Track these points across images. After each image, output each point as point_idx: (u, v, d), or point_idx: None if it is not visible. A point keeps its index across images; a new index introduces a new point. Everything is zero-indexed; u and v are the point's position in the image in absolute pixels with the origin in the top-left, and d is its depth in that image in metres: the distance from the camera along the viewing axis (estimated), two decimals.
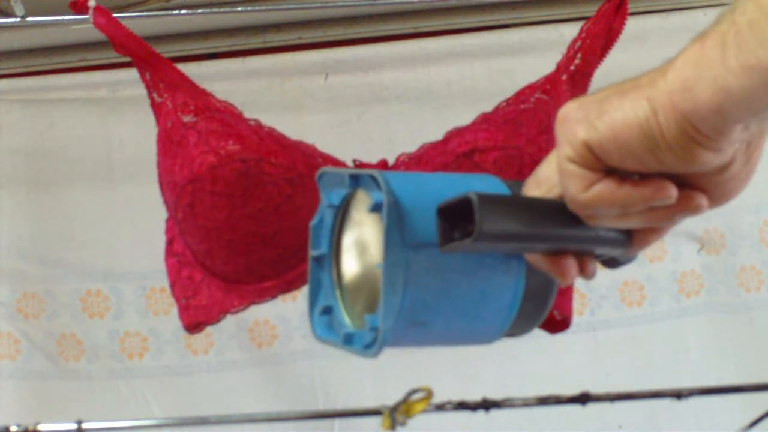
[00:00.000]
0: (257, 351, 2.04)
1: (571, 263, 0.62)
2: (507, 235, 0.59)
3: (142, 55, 1.42)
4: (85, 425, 1.45)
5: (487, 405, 1.48)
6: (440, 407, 1.46)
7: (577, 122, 0.57)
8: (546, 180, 0.62)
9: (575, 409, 1.54)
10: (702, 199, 0.58)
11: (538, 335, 1.67)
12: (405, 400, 1.41)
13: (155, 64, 1.43)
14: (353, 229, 0.66)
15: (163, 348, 2.04)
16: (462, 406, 1.47)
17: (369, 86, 2.02)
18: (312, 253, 0.67)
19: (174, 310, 1.51)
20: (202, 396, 2.04)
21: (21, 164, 2.02)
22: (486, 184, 0.64)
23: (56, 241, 2.03)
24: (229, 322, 1.61)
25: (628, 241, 0.63)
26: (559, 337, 1.65)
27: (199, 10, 1.81)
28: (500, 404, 1.49)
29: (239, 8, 1.80)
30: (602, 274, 2.32)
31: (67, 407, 1.97)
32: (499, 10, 2.04)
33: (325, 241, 0.67)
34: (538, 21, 2.05)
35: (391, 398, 1.44)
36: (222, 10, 1.84)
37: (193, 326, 1.49)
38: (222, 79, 1.95)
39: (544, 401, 1.51)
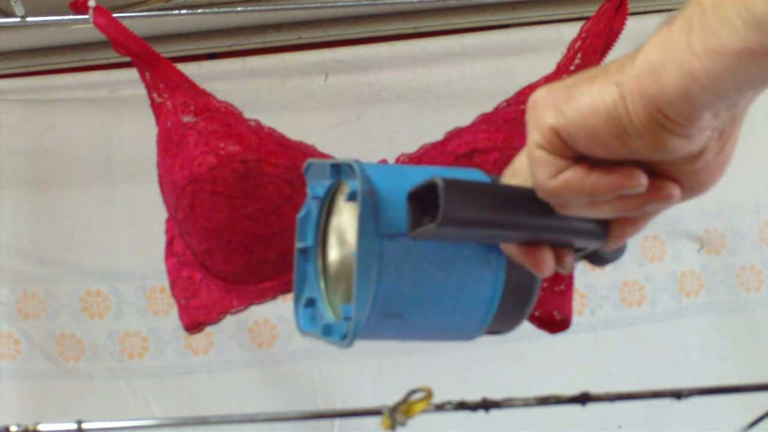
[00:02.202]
0: (257, 351, 2.04)
1: (547, 255, 0.61)
2: (472, 220, 0.58)
3: (142, 55, 1.42)
4: (85, 425, 1.45)
5: (487, 405, 1.48)
6: (440, 407, 1.46)
7: (545, 108, 0.56)
8: (522, 170, 0.61)
9: (575, 409, 1.54)
10: (674, 189, 0.57)
11: (538, 335, 1.67)
12: (405, 400, 1.41)
13: (155, 64, 1.43)
14: (337, 219, 0.66)
15: (163, 348, 2.04)
16: (462, 406, 1.47)
17: (369, 86, 2.02)
18: (298, 245, 0.66)
19: (174, 310, 1.51)
20: (202, 396, 2.04)
21: (21, 164, 2.02)
22: (466, 175, 0.63)
23: (56, 241, 2.03)
24: (229, 322, 1.61)
25: (605, 233, 0.61)
26: (559, 337, 1.65)
27: (199, 10, 1.81)
28: (500, 404, 1.49)
29: (239, 8, 1.79)
30: (602, 274, 2.32)
31: (67, 407, 1.97)
32: (499, 10, 2.03)
33: (311, 233, 0.66)
34: (538, 21, 2.05)
35: (391, 398, 1.44)
36: (222, 10, 1.83)
37: (192, 326, 1.49)
38: (222, 79, 1.95)
39: (544, 401, 1.51)
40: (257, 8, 1.82)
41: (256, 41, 2.06)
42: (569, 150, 0.56)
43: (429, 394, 1.42)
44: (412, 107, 2.02)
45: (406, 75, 2.02)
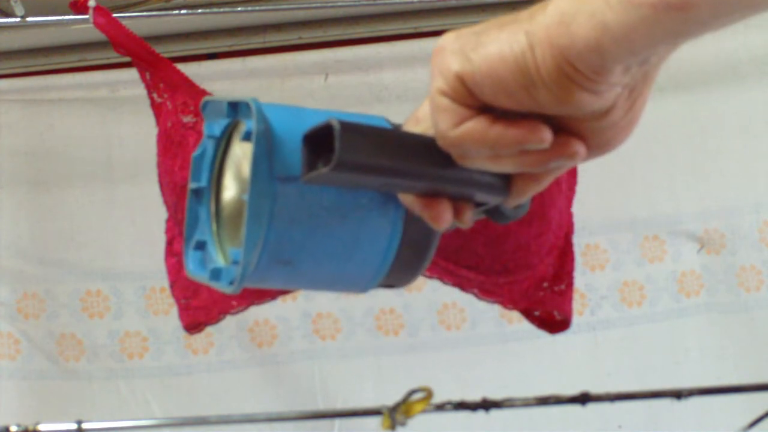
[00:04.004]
0: (257, 351, 2.04)
1: (445, 207, 0.58)
2: (368, 166, 0.55)
3: (142, 55, 1.42)
4: (85, 425, 1.45)
5: (487, 405, 1.48)
6: (440, 407, 1.47)
7: (452, 53, 0.53)
8: (425, 118, 0.59)
9: (575, 409, 1.54)
10: (579, 146, 0.54)
11: (538, 335, 1.67)
12: (405, 400, 1.41)
13: (155, 64, 1.43)
14: (232, 160, 0.63)
15: (163, 348, 2.05)
16: (462, 406, 1.47)
17: (369, 86, 2.02)
18: (191, 185, 0.64)
19: (174, 310, 1.52)
20: (202, 396, 2.04)
21: (21, 164, 2.02)
22: (367, 120, 0.60)
23: (56, 241, 2.03)
24: (229, 322, 1.61)
25: (506, 188, 0.59)
26: (559, 337, 1.65)
27: (199, 10, 1.81)
28: (500, 404, 1.49)
29: (239, 8, 1.80)
30: (602, 274, 2.32)
31: (67, 407, 1.97)
32: (499, 10, 2.03)
33: (205, 174, 0.63)
34: None
35: (391, 398, 1.44)
36: (222, 10, 1.84)
37: (192, 326, 1.49)
38: (222, 79, 1.96)
39: (544, 401, 1.51)
40: (257, 8, 1.82)
41: (256, 41, 2.06)
42: (473, 99, 0.54)
43: (429, 394, 1.42)
44: (412, 107, 2.00)
45: (406, 75, 2.03)
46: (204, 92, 1.43)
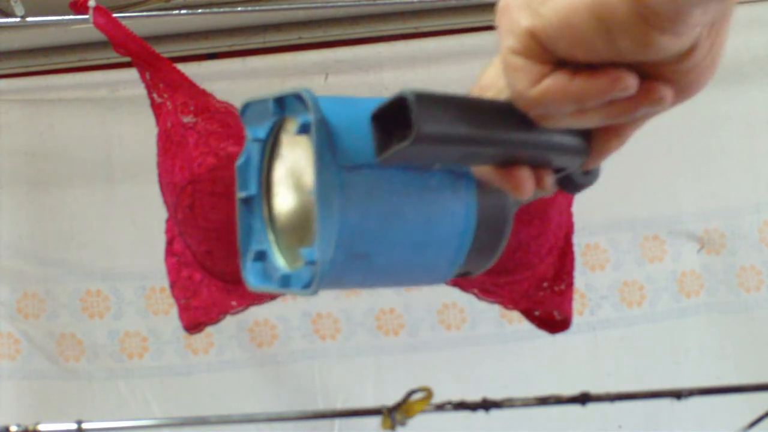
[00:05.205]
0: (257, 351, 2.04)
1: (527, 174, 0.55)
2: (449, 137, 0.53)
3: (142, 55, 1.42)
4: (85, 425, 1.45)
5: (487, 405, 1.48)
6: (440, 407, 1.47)
7: (519, 9, 0.51)
8: (492, 85, 0.56)
9: (575, 409, 1.55)
10: (665, 90, 0.52)
11: (538, 335, 1.67)
12: (405, 400, 1.41)
13: (155, 64, 1.43)
14: (283, 161, 0.59)
15: (163, 348, 2.05)
16: (462, 406, 1.47)
17: (369, 86, 2.02)
18: (240, 194, 0.60)
19: (174, 310, 1.52)
20: (202, 396, 2.04)
21: (21, 164, 2.02)
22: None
23: (56, 241, 2.03)
24: (229, 322, 1.61)
25: (587, 149, 0.57)
26: (559, 337, 1.65)
27: (199, 10, 1.81)
28: (500, 404, 1.49)
29: (239, 8, 1.80)
30: (602, 274, 2.31)
31: (67, 407, 1.97)
32: None
33: (254, 181, 0.60)
34: None
35: (391, 398, 1.44)
36: (222, 10, 1.84)
37: (192, 326, 1.49)
38: (222, 79, 1.95)
39: (544, 401, 1.51)
40: (257, 8, 1.82)
41: (256, 41, 2.06)
42: (548, 54, 0.51)
43: (429, 394, 1.42)
44: None
45: (406, 75, 2.02)
46: (204, 92, 1.43)
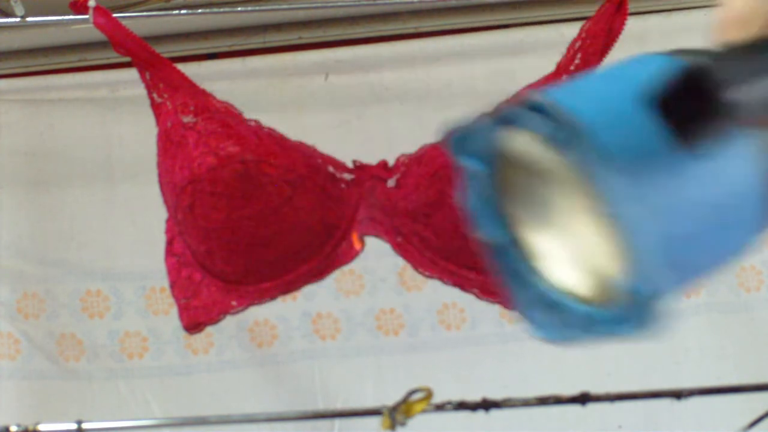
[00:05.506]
0: (257, 351, 2.04)
1: None
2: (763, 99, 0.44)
3: (141, 55, 1.42)
4: (85, 425, 1.45)
5: (487, 405, 1.48)
6: (440, 407, 1.46)
7: None
8: (755, 14, 0.48)
9: (575, 409, 1.54)
10: None
11: None
12: (405, 400, 1.41)
13: (155, 64, 1.43)
14: (527, 186, 0.50)
15: (163, 348, 2.04)
16: (462, 406, 1.47)
17: (369, 86, 2.02)
18: (489, 242, 0.51)
19: (174, 310, 1.52)
20: (202, 396, 2.04)
21: (21, 164, 2.02)
22: (651, 63, 0.47)
23: (56, 241, 2.03)
24: (229, 322, 1.61)
25: None
26: None
27: (199, 10, 1.81)
28: (500, 404, 1.49)
29: (239, 8, 1.80)
30: None
31: (67, 407, 1.97)
32: (499, 10, 2.03)
33: (497, 223, 0.51)
34: (538, 21, 2.05)
35: (391, 398, 1.44)
36: (222, 10, 1.84)
37: (192, 326, 1.49)
38: (222, 79, 1.95)
39: (544, 401, 1.51)
40: (257, 8, 1.82)
41: (256, 41, 2.06)
42: None
43: (429, 394, 1.42)
44: (412, 107, 2.02)
45: (406, 75, 2.02)
46: (204, 92, 1.43)
